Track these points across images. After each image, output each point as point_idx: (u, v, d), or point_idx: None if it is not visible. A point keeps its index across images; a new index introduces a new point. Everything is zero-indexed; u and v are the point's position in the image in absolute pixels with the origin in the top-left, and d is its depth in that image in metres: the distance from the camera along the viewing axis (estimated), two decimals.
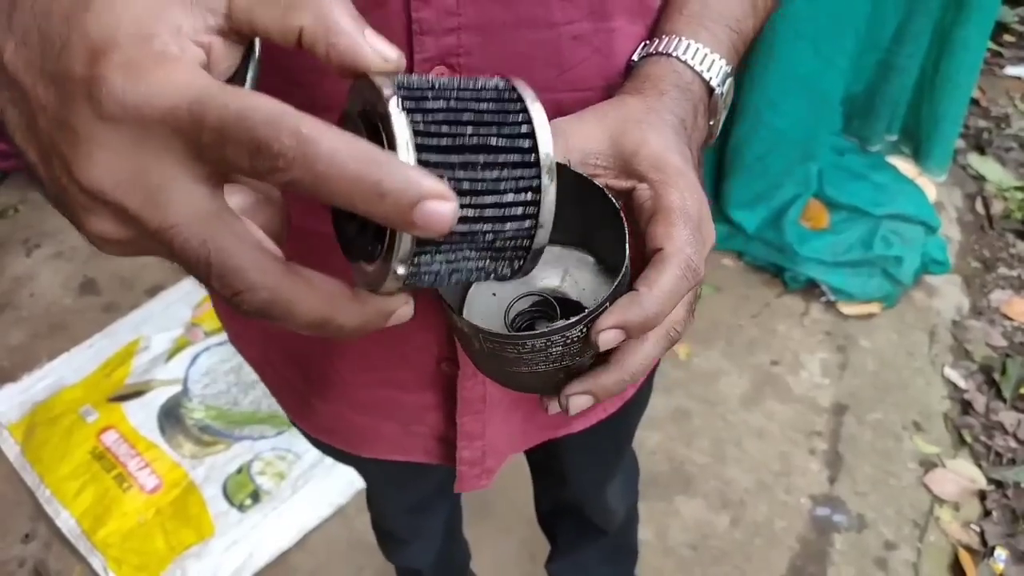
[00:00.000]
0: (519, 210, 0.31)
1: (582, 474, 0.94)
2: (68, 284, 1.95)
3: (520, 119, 0.31)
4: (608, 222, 0.41)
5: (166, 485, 1.53)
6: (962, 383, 1.79)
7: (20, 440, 1.61)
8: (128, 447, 1.58)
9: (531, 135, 0.31)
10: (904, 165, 2.11)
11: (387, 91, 0.28)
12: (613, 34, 0.50)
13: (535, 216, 0.31)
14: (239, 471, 1.56)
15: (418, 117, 0.28)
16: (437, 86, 0.30)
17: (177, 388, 1.69)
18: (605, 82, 0.51)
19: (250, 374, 1.54)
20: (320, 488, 1.53)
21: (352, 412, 0.71)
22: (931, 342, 1.86)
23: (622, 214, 0.40)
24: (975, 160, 2.27)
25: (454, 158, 0.29)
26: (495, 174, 0.30)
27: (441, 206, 0.25)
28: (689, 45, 0.47)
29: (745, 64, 1.83)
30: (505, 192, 0.30)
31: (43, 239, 2.05)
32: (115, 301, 1.90)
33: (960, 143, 2.25)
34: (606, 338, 0.37)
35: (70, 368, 1.74)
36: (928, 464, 1.66)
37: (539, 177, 0.31)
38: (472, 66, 0.47)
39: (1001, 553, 1.54)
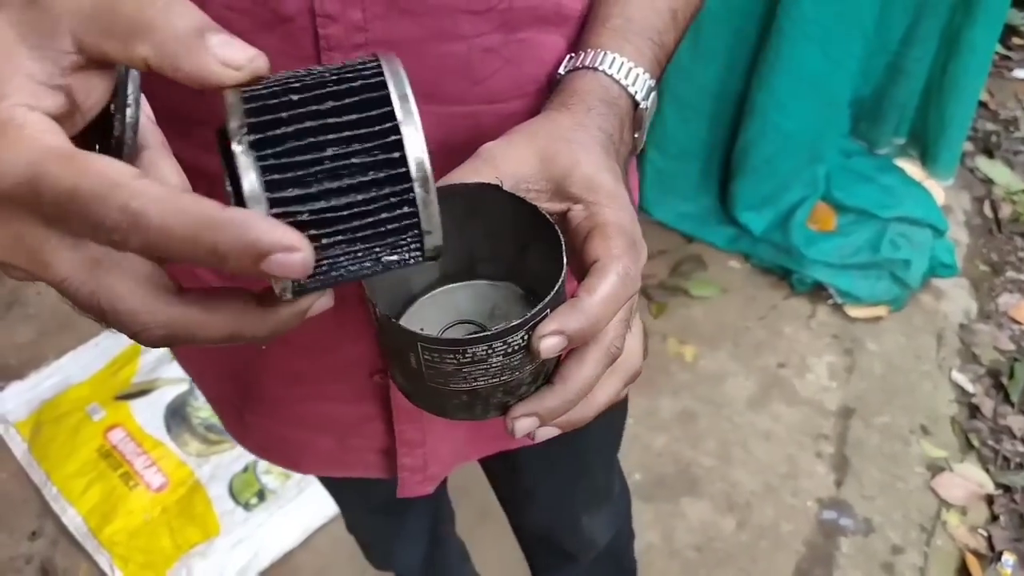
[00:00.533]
0: (396, 224, 0.29)
1: (545, 493, 0.92)
2: None
3: (388, 126, 0.28)
4: (541, 237, 0.40)
5: (172, 483, 1.53)
6: (970, 387, 1.78)
7: (27, 438, 1.61)
8: (135, 445, 1.58)
9: (400, 145, 0.28)
10: (912, 168, 2.11)
11: (233, 123, 0.27)
12: (523, 44, 0.50)
13: (417, 227, 0.29)
14: (245, 470, 1.56)
15: (268, 151, 0.27)
16: (294, 99, 0.28)
17: (183, 387, 1.69)
18: (519, 91, 0.51)
19: None
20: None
21: (286, 427, 0.70)
22: (939, 346, 1.85)
23: (556, 227, 0.40)
24: (983, 163, 2.26)
25: (314, 188, 0.27)
26: (363, 196, 0.28)
27: (288, 257, 0.25)
28: (614, 59, 0.47)
29: (752, 65, 1.83)
30: (379, 212, 0.28)
31: None
32: None
33: (968, 146, 2.24)
34: (547, 344, 0.37)
35: (77, 366, 1.74)
36: (935, 468, 1.65)
37: (413, 191, 0.28)
38: None
39: (1009, 558, 1.53)
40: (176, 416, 1.64)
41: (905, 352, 1.83)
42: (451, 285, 0.46)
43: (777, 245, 1.94)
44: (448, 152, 0.50)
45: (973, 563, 1.52)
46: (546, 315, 0.37)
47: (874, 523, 1.57)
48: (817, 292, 1.93)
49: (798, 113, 1.82)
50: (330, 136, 0.27)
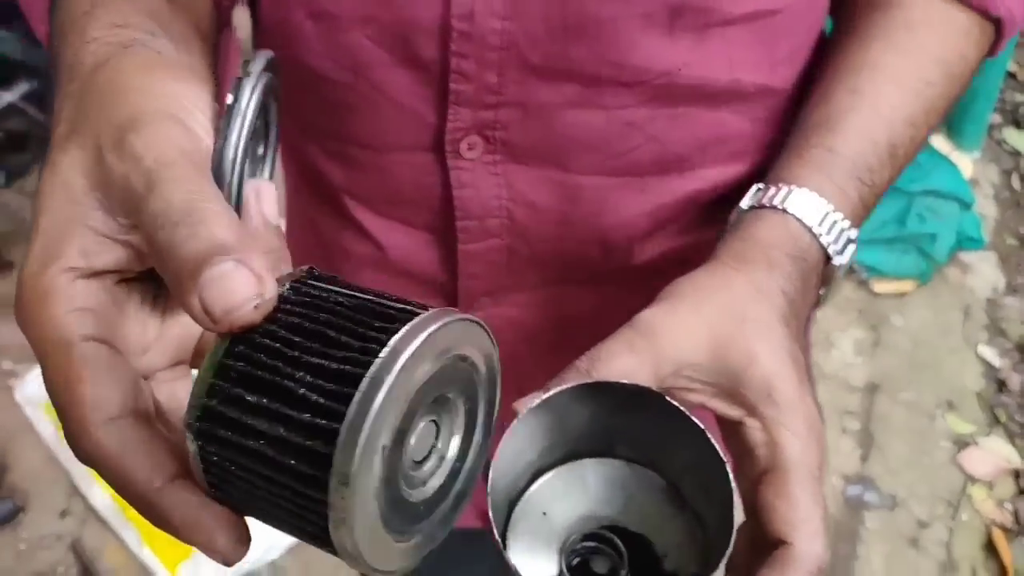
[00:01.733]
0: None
1: None
2: None
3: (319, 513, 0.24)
4: (702, 456, 0.33)
5: None
6: (996, 362, 1.76)
7: (54, 420, 1.63)
8: None
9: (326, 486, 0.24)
10: (938, 140, 2.07)
11: (188, 416, 0.25)
12: (675, 120, 0.45)
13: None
14: None
15: (212, 448, 0.25)
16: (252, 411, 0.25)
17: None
18: (659, 169, 0.47)
19: None
20: None
21: None
22: (965, 320, 1.83)
23: (732, 479, 0.32)
24: (1011, 135, 2.22)
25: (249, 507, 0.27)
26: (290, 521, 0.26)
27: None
28: (808, 200, 0.40)
29: None
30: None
31: None
32: None
33: (996, 118, 2.20)
34: None
35: None
36: (961, 443, 1.64)
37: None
38: (510, 140, 0.45)
39: None
40: None
41: (931, 327, 1.81)
42: (584, 460, 0.38)
43: None
44: (566, 222, 0.48)
45: (999, 537, 1.51)
46: None
47: (899, 498, 1.56)
48: None
49: None
50: (271, 462, 0.25)
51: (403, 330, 0.24)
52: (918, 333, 1.80)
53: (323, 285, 0.27)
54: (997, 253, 1.96)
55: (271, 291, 0.25)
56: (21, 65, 1.64)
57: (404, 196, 0.48)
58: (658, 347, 0.35)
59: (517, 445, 0.33)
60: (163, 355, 0.31)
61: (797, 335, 0.38)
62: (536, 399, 0.33)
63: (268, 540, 1.44)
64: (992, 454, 1.63)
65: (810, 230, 0.40)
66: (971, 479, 1.59)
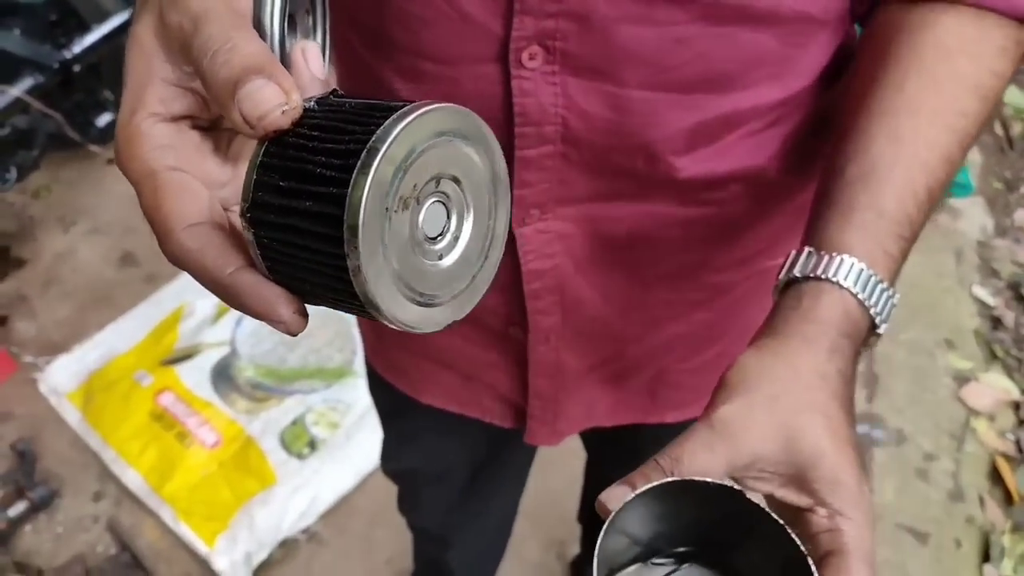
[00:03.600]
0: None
1: None
2: (108, 257, 1.99)
3: (343, 265, 0.29)
4: (780, 553, 0.36)
5: (225, 440, 1.58)
6: (990, 300, 1.83)
7: (80, 407, 1.66)
8: (185, 406, 1.63)
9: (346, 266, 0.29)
10: None
11: (242, 208, 0.31)
12: (720, 39, 0.48)
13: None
14: (294, 423, 1.61)
15: (263, 232, 0.31)
16: (283, 186, 0.30)
17: (226, 350, 1.73)
18: (704, 86, 0.50)
19: None
20: (374, 434, 1.57)
21: (414, 356, 0.73)
22: (958, 263, 1.89)
23: (811, 562, 0.35)
24: None
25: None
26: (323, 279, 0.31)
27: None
28: (861, 272, 0.42)
29: None
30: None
31: (79, 216, 2.09)
32: (155, 272, 1.94)
33: None
34: None
35: (120, 337, 1.78)
36: (962, 379, 1.70)
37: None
38: (568, 51, 0.48)
39: None
40: (222, 377, 1.69)
41: (926, 271, 1.87)
42: (659, 564, 0.41)
43: None
44: (614, 133, 0.51)
45: (1003, 465, 1.58)
46: None
47: (906, 433, 1.62)
48: None
49: None
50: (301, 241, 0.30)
51: (398, 113, 0.29)
52: (914, 277, 1.86)
53: (343, 98, 0.32)
54: (985, 198, 2.02)
55: (295, 100, 0.31)
56: (25, 60, 1.65)
57: (470, 108, 0.51)
58: (734, 446, 0.38)
59: (611, 542, 0.37)
60: (235, 193, 0.36)
61: (850, 411, 0.41)
62: (626, 494, 0.36)
63: (303, 507, 1.48)
64: (992, 388, 1.70)
65: (862, 303, 0.42)
66: (973, 412, 1.65)
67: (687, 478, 0.37)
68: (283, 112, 0.30)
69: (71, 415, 1.65)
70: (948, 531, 1.51)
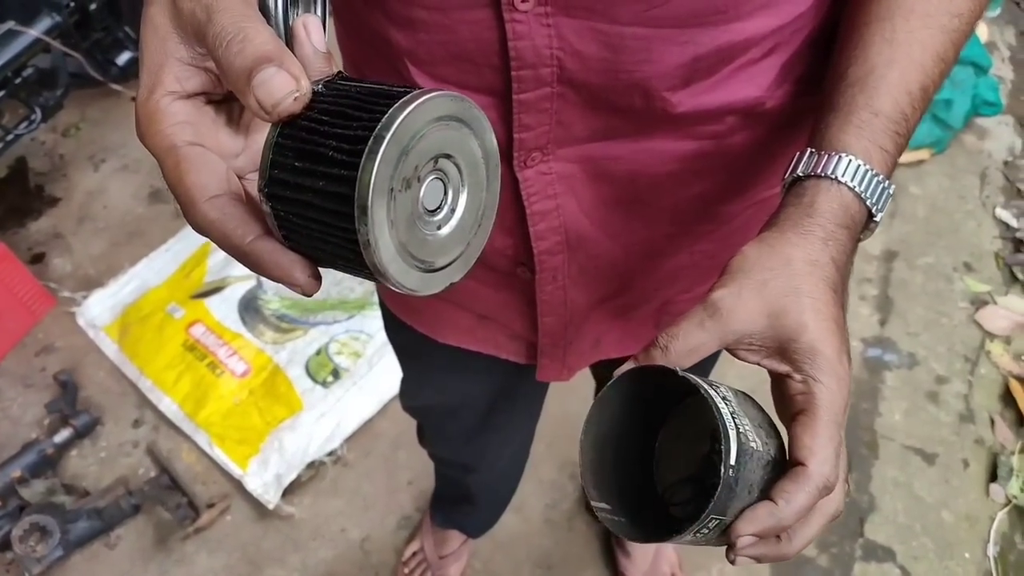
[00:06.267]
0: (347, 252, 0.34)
1: None
2: (138, 194, 2.05)
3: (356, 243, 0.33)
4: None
5: (254, 369, 1.65)
6: (1014, 222, 1.80)
7: (116, 339, 1.74)
8: (215, 338, 1.70)
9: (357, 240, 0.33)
10: None
11: (259, 184, 0.34)
12: None
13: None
14: (318, 353, 1.67)
15: (280, 207, 0.34)
16: (297, 167, 0.34)
17: (252, 283, 1.79)
18: (696, 20, 0.50)
19: None
20: (394, 363, 1.63)
21: (431, 298, 0.75)
22: (982, 184, 1.85)
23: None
24: None
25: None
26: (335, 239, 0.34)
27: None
28: (858, 168, 0.46)
29: None
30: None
31: (107, 154, 2.14)
32: None
33: None
34: (742, 543, 0.41)
35: (151, 271, 1.85)
36: (979, 302, 1.69)
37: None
38: None
39: None
40: (249, 309, 1.76)
41: (948, 193, 1.84)
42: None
43: None
44: (610, 71, 0.52)
45: (1016, 388, 1.58)
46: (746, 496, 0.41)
47: (918, 357, 1.62)
48: None
49: None
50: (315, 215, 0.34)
51: (400, 101, 0.32)
52: (935, 200, 1.83)
53: (348, 82, 0.35)
54: (1014, 116, 1.97)
55: (305, 87, 0.33)
56: (42, 0, 1.67)
57: (466, 54, 0.51)
58: (724, 325, 0.43)
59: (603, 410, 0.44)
60: (249, 161, 0.39)
61: (842, 293, 0.45)
62: (622, 372, 0.44)
63: (329, 432, 1.56)
64: (1009, 311, 1.69)
65: (859, 196, 0.46)
66: (989, 335, 1.65)
67: (643, 364, 0.44)
68: (295, 99, 0.33)
69: (108, 347, 1.74)
70: (956, 452, 1.53)
